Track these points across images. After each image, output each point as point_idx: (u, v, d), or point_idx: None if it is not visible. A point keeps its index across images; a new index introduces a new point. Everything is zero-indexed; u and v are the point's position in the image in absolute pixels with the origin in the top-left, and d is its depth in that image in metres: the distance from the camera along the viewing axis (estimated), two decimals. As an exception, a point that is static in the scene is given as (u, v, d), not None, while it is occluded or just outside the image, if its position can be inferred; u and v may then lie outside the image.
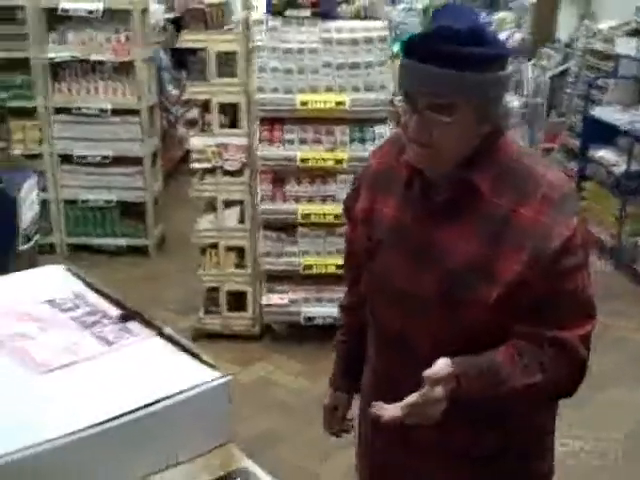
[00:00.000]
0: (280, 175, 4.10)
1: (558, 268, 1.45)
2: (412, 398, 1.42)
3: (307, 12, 3.85)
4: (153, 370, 1.02)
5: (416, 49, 1.42)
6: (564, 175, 1.59)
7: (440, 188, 1.52)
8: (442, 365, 1.42)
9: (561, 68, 7.02)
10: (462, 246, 1.50)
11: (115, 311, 1.18)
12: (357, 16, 3.93)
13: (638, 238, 5.43)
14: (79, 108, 5.23)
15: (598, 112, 6.08)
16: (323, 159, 3.97)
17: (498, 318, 1.48)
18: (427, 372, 1.40)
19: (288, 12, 3.85)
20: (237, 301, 4.41)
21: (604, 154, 5.95)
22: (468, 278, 1.49)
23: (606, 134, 5.93)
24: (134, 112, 5.29)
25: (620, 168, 5.65)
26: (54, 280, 1.31)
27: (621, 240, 5.53)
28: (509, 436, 1.62)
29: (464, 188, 1.49)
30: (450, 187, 1.50)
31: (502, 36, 3.83)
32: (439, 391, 1.41)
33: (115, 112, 5.25)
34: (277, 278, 4.28)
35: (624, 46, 6.04)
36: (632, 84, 6.21)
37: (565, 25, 7.88)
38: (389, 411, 1.43)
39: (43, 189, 5.07)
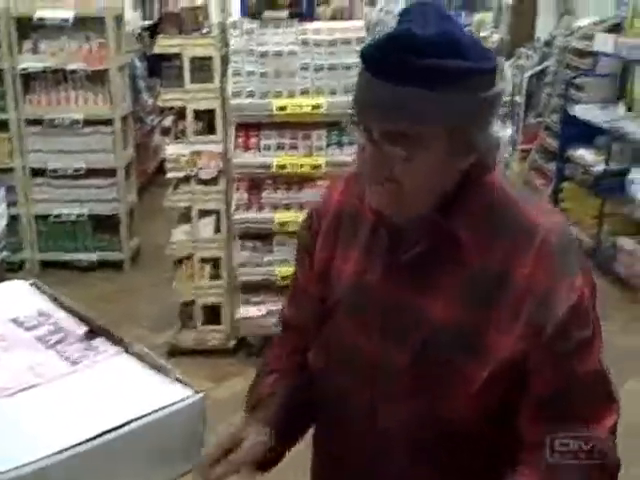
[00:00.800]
0: (256, 182, 4.02)
1: (566, 344, 1.13)
2: None
3: (284, 13, 3.79)
4: (120, 390, 0.96)
5: (369, 60, 1.11)
6: (563, 219, 1.29)
7: (411, 238, 1.19)
8: None
9: (539, 67, 6.99)
10: (439, 311, 1.18)
11: (81, 328, 1.12)
12: (334, 17, 3.87)
13: (617, 238, 5.40)
14: (52, 120, 5.13)
15: (576, 111, 6.04)
16: (300, 165, 3.90)
17: (488, 407, 1.16)
18: None
19: (265, 14, 3.79)
20: (212, 314, 4.31)
21: (582, 153, 5.93)
22: (449, 352, 1.16)
23: (585, 133, 5.91)
24: (107, 122, 5.20)
25: (599, 167, 5.60)
26: (18, 296, 1.28)
27: (600, 240, 5.50)
28: None
29: (441, 238, 1.17)
30: (423, 237, 1.18)
31: (481, 35, 3.74)
32: None
33: (88, 123, 5.14)
34: (253, 289, 4.18)
35: (602, 43, 5.87)
36: (610, 82, 6.14)
37: (545, 25, 7.84)
38: None
39: (13, 204, 4.97)
